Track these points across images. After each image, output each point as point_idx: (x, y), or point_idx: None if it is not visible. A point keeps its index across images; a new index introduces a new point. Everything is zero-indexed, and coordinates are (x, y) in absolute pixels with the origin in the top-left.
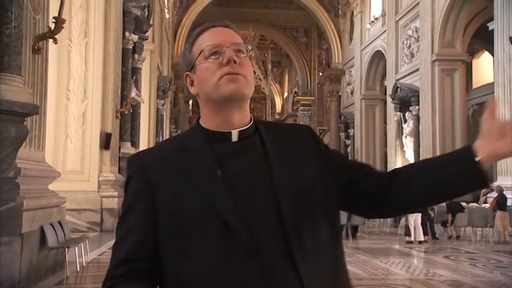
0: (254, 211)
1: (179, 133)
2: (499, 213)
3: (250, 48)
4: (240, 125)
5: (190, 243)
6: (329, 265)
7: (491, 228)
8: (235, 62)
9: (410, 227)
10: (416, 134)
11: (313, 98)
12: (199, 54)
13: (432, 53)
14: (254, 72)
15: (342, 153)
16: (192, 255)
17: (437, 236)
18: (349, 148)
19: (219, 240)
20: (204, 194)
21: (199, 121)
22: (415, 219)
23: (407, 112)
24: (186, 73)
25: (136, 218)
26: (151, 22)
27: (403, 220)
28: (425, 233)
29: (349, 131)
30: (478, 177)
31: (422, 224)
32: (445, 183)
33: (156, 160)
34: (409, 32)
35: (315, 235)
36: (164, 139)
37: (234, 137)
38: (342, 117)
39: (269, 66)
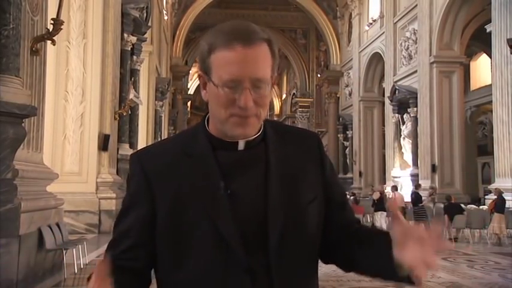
0: (249, 229)
1: (182, 132)
2: (496, 215)
3: (271, 83)
4: (246, 137)
5: (186, 253)
6: (305, 285)
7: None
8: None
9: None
10: (414, 136)
11: (311, 99)
12: (216, 75)
13: (430, 55)
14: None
15: (341, 186)
16: (186, 265)
17: None
18: (347, 150)
19: (215, 253)
20: (205, 205)
21: (205, 122)
22: (379, 219)
23: (405, 114)
24: (200, 73)
25: (133, 221)
26: (149, 24)
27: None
28: None
29: (347, 132)
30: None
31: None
32: (380, 274)
33: (159, 163)
34: (407, 34)
35: (297, 257)
36: (166, 137)
37: (241, 146)
38: (340, 119)
39: None
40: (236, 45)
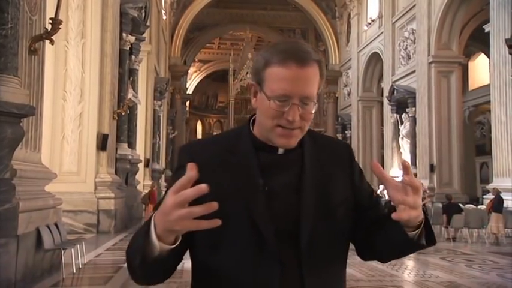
0: (282, 222)
1: (228, 131)
2: (493, 215)
3: (315, 102)
4: (289, 147)
5: (223, 241)
6: (333, 280)
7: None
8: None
9: None
10: (413, 136)
11: None
12: (269, 88)
13: (429, 55)
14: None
15: (370, 187)
16: (222, 251)
17: None
18: None
19: (250, 243)
20: (244, 198)
21: (250, 125)
22: None
23: (404, 114)
24: (252, 83)
25: None
26: (148, 23)
27: None
28: None
29: (346, 132)
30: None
31: None
32: (400, 250)
33: (206, 156)
34: (406, 34)
35: (326, 251)
36: (214, 134)
37: (280, 151)
38: (339, 119)
39: None
40: (291, 64)
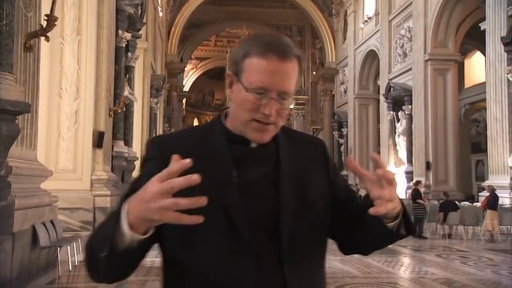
0: (258, 216)
1: (200, 125)
2: (488, 212)
3: (293, 99)
4: (263, 142)
5: (197, 235)
6: (313, 275)
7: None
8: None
9: None
10: (409, 133)
11: (306, 97)
12: (247, 80)
13: (425, 53)
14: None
15: (345, 180)
16: (197, 246)
17: (423, 235)
18: (342, 147)
19: (226, 237)
20: (217, 191)
21: (222, 118)
22: None
23: (400, 111)
24: (229, 73)
25: None
26: (144, 20)
27: None
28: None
29: (342, 130)
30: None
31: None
32: (378, 242)
33: (177, 149)
34: (402, 32)
35: (306, 245)
36: (185, 128)
37: (254, 144)
38: (336, 116)
39: None
40: (271, 56)
